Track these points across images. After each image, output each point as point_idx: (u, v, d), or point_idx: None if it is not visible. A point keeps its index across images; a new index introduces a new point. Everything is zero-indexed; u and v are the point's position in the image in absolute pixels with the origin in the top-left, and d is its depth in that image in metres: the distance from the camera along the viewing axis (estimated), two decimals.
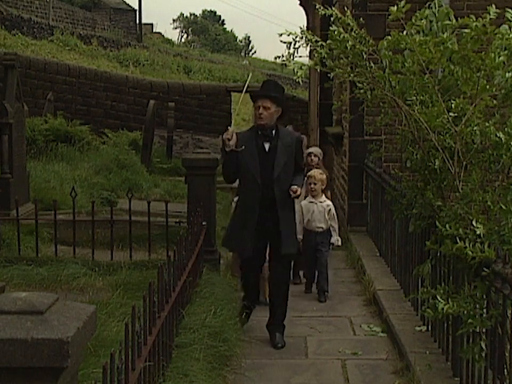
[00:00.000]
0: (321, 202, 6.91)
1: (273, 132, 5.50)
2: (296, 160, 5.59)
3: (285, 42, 4.75)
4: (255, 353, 5.35)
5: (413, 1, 5.34)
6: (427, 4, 4.48)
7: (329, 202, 7.00)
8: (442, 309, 3.71)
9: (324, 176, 6.95)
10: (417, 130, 4.80)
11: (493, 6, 4.40)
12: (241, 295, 6.06)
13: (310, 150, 8.32)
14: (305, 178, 6.81)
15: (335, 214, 6.99)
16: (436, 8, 4.34)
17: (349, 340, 5.68)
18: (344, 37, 4.57)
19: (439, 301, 3.76)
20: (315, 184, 6.87)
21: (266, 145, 5.50)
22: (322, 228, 6.89)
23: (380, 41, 4.61)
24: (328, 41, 4.71)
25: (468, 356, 3.88)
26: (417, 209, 4.95)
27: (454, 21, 4.35)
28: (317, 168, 7.52)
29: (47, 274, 6.92)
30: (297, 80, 4.75)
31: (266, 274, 6.06)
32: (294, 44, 4.74)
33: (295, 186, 5.41)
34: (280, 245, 5.51)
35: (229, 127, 5.41)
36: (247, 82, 5.89)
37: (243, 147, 5.34)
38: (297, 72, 4.63)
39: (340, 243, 7.09)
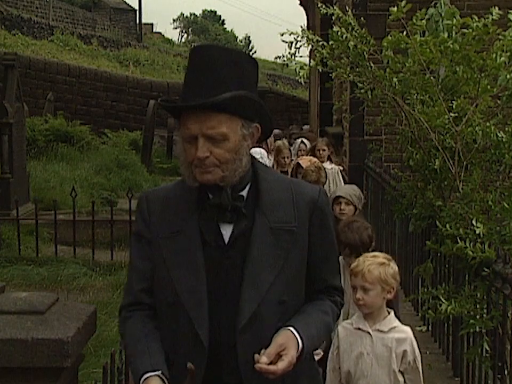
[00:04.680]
0: (383, 332, 2.94)
1: (247, 188, 2.00)
2: (319, 270, 2.05)
3: (286, 42, 4.74)
4: None
5: (414, 1, 5.34)
6: (432, 3, 4.47)
7: (404, 331, 2.96)
8: (446, 310, 3.71)
9: (391, 270, 2.96)
10: (417, 130, 4.79)
11: (496, 7, 4.39)
12: None
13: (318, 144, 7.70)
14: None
15: (418, 357, 2.93)
16: (441, 8, 4.33)
17: None
18: (346, 37, 4.56)
19: (443, 302, 3.76)
20: (366, 290, 2.94)
21: (226, 231, 1.97)
22: None
23: (384, 40, 4.60)
24: (330, 42, 4.70)
25: (472, 357, 3.88)
26: (418, 209, 4.94)
27: (457, 20, 4.35)
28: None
29: (47, 274, 6.93)
30: (299, 80, 4.72)
31: None
32: (296, 44, 4.73)
33: (289, 356, 1.84)
34: None
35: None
36: None
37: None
38: (299, 72, 4.62)
39: None
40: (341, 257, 3.69)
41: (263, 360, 1.80)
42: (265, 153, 7.57)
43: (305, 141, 8.57)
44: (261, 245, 1.93)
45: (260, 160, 7.72)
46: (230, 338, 1.91)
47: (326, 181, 5.82)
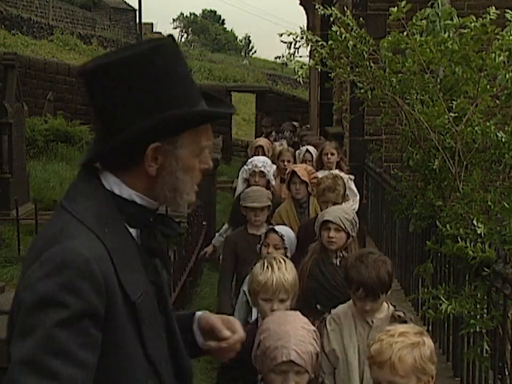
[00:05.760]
0: None
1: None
2: None
3: (285, 42, 4.74)
4: None
5: (414, 1, 5.34)
6: (429, 3, 4.47)
7: None
8: (446, 310, 3.71)
9: (427, 351, 2.39)
10: (417, 130, 4.79)
11: (493, 7, 4.40)
12: None
13: (326, 149, 6.71)
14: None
15: None
16: (438, 7, 4.33)
17: None
18: (345, 37, 4.56)
19: (443, 301, 3.76)
20: None
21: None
22: None
23: (381, 41, 4.60)
24: (329, 42, 4.70)
25: (473, 357, 3.87)
26: (418, 209, 4.94)
27: (456, 20, 4.35)
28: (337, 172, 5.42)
29: None
30: (298, 79, 4.71)
31: None
32: (295, 44, 4.73)
33: None
34: None
35: None
36: None
37: None
38: (298, 71, 4.61)
39: None
40: (349, 303, 3.12)
41: (226, 333, 1.74)
42: (269, 162, 6.17)
43: (311, 149, 7.11)
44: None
45: (263, 169, 6.05)
46: None
47: (344, 193, 4.89)
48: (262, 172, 5.76)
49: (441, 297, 3.84)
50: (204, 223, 7.12)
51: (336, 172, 6.19)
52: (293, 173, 5.37)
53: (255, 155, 7.28)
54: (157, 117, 1.53)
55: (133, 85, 1.53)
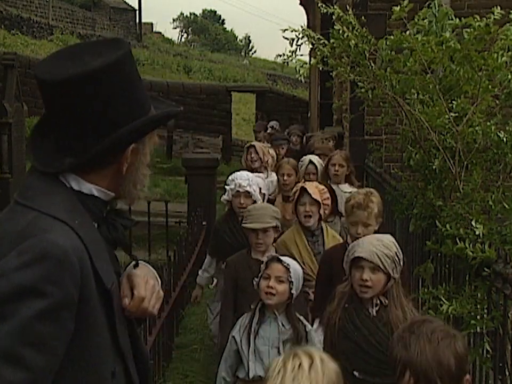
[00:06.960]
0: None
1: None
2: None
3: (287, 39, 4.72)
4: None
5: (415, 1, 5.33)
6: (426, 4, 4.47)
7: None
8: (447, 310, 3.70)
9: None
10: (418, 130, 4.78)
11: (498, 7, 4.38)
12: None
13: (333, 160, 5.74)
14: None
15: None
16: (435, 8, 4.33)
17: None
18: (347, 35, 4.55)
19: (443, 302, 3.75)
20: None
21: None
22: None
23: (379, 41, 4.59)
24: (331, 41, 4.69)
25: (473, 358, 3.87)
26: (418, 209, 4.93)
27: (457, 20, 4.34)
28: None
29: None
30: (299, 78, 4.70)
31: None
32: (297, 41, 4.72)
33: None
34: None
35: None
36: None
37: None
38: (299, 70, 4.60)
39: None
40: None
41: (123, 303, 1.66)
42: (255, 178, 5.12)
43: (315, 160, 5.92)
44: None
45: (248, 189, 4.98)
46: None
47: (378, 213, 4.11)
48: (247, 191, 4.82)
49: (442, 298, 3.84)
50: (203, 223, 7.11)
51: (345, 186, 5.57)
52: (302, 190, 4.46)
53: (247, 158, 6.42)
54: (142, 120, 1.61)
55: (115, 92, 1.57)
